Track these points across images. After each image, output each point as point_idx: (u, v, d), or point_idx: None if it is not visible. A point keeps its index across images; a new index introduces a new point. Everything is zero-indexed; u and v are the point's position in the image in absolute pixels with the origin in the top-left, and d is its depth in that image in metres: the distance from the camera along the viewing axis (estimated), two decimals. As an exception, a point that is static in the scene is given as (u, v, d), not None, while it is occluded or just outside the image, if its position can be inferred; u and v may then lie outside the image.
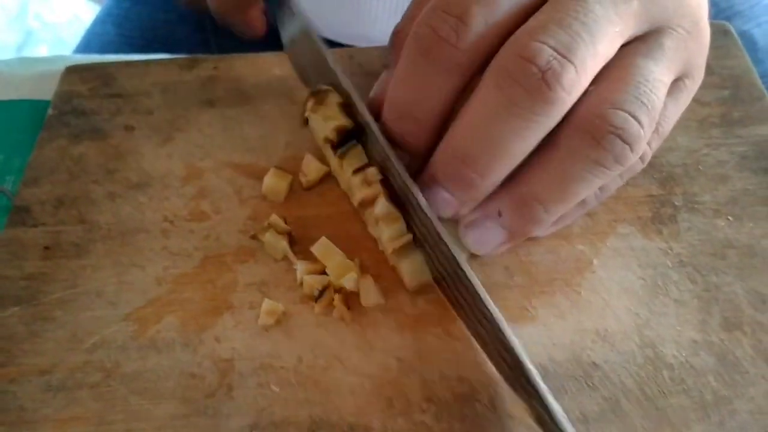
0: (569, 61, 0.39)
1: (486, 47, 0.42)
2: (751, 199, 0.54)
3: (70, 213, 0.55)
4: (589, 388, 0.46)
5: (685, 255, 0.51)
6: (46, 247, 0.53)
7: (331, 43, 0.86)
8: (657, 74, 0.42)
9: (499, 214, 0.46)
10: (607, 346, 0.47)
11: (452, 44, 0.42)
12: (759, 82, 0.61)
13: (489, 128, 0.41)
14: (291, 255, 0.51)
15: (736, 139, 0.57)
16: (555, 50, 0.39)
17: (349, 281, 0.49)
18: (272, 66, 0.64)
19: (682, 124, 0.56)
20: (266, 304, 0.49)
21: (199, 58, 0.65)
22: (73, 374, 0.47)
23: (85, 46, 0.92)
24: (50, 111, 0.61)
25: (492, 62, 0.41)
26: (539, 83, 0.39)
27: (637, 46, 0.43)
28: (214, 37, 0.87)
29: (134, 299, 0.50)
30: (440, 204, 0.46)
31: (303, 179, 0.55)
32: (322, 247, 0.50)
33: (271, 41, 0.87)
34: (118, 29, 0.91)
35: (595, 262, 0.51)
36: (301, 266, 0.50)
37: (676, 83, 0.46)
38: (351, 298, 0.50)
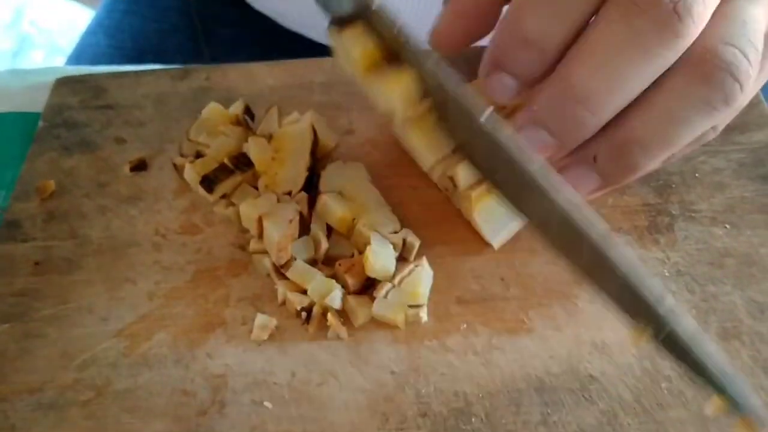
0: None
1: None
2: (748, 207, 0.53)
3: (60, 227, 0.54)
4: (586, 401, 0.45)
5: (682, 264, 0.51)
6: (37, 263, 0.52)
7: (329, 48, 0.86)
8: (758, 17, 0.41)
9: (595, 160, 0.43)
10: (604, 357, 0.47)
11: None
12: (756, 87, 0.60)
13: (612, 62, 0.39)
14: (273, 274, 0.51)
15: (733, 146, 0.57)
16: None
17: (333, 300, 0.48)
18: (265, 76, 0.63)
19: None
20: (259, 318, 0.49)
21: (191, 69, 0.64)
22: (64, 392, 0.47)
23: (76, 57, 0.92)
24: (41, 123, 0.61)
25: None
26: (670, 15, 0.37)
27: None
28: (207, 46, 0.87)
29: (126, 315, 0.50)
30: (537, 146, 0.42)
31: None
32: (297, 271, 0.50)
33: (264, 49, 0.87)
34: (110, 40, 0.91)
35: (591, 272, 0.50)
36: (282, 287, 0.50)
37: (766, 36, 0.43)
38: (342, 314, 0.49)
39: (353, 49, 0.45)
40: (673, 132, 0.41)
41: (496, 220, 0.51)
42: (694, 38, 0.38)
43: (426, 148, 0.44)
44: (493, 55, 0.42)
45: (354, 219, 0.51)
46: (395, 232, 0.51)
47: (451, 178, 0.50)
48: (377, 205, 0.53)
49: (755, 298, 0.49)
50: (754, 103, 0.59)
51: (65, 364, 0.48)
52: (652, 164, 0.43)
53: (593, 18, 0.40)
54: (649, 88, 0.40)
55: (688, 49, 0.39)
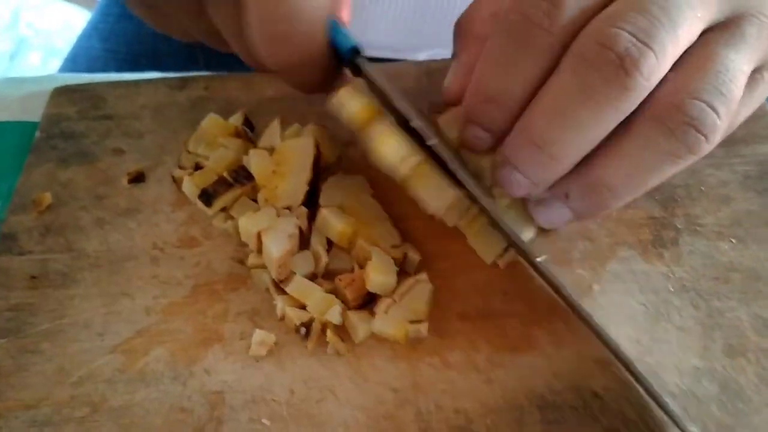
0: (648, 47, 0.38)
1: (576, 30, 0.41)
2: (754, 221, 0.53)
3: (57, 241, 0.54)
4: (590, 419, 0.45)
5: (687, 279, 0.50)
6: (33, 277, 0.52)
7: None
8: (737, 63, 0.41)
9: (567, 197, 0.45)
10: (607, 374, 0.46)
11: (545, 28, 0.41)
12: (762, 98, 0.60)
13: (566, 113, 0.41)
14: (272, 289, 0.50)
15: (738, 158, 0.56)
16: (634, 36, 0.38)
17: (333, 315, 0.48)
18: (265, 86, 0.63)
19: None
20: (257, 334, 0.48)
21: (189, 78, 0.64)
22: (60, 409, 0.46)
23: (71, 61, 0.91)
24: (38, 134, 0.60)
25: (571, 47, 0.41)
26: (617, 70, 0.38)
27: (717, 33, 0.42)
28: (202, 51, 0.86)
29: (123, 330, 0.49)
30: (513, 184, 0.45)
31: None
32: (297, 286, 0.49)
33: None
34: (105, 44, 0.90)
35: (595, 287, 0.50)
36: (281, 302, 0.49)
37: (754, 75, 0.44)
38: (342, 329, 0.49)
39: (349, 105, 0.47)
40: (640, 178, 0.43)
41: (490, 242, 0.51)
42: (647, 90, 0.40)
43: (427, 196, 0.46)
44: (466, 110, 0.46)
45: (354, 233, 0.50)
46: (396, 246, 0.50)
47: None
48: (378, 218, 0.52)
49: (761, 314, 0.48)
50: (759, 115, 0.58)
51: (61, 381, 0.47)
52: (622, 203, 0.45)
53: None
54: (618, 130, 0.42)
55: (656, 96, 0.40)
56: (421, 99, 0.61)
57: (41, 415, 0.46)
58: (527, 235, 0.48)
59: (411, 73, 0.62)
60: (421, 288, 0.49)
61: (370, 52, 0.80)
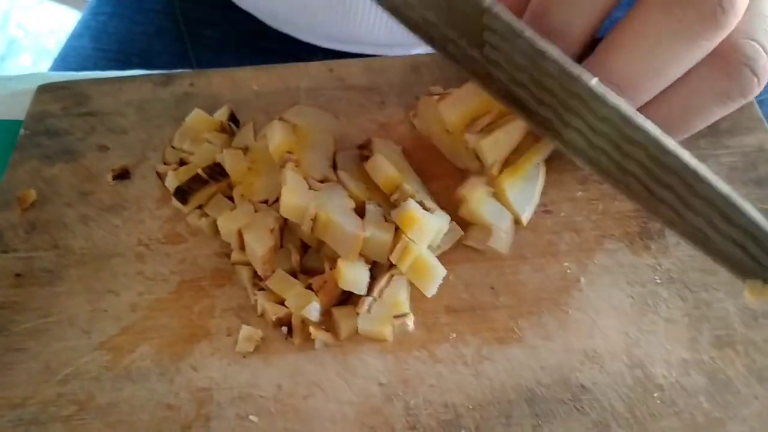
0: None
1: None
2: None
3: (42, 238, 0.53)
4: (578, 412, 0.44)
5: (674, 271, 0.50)
6: (18, 274, 0.52)
7: (315, 49, 0.85)
8: None
9: None
10: (595, 367, 0.46)
11: None
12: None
13: (651, 51, 0.40)
14: (249, 286, 0.50)
15: (724, 150, 0.56)
16: None
17: (311, 312, 0.47)
18: (251, 81, 0.62)
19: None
20: (244, 330, 0.48)
21: (174, 75, 0.63)
22: (46, 407, 0.46)
23: (62, 61, 0.91)
24: (22, 131, 0.60)
25: None
26: (714, 7, 0.38)
27: None
28: (193, 48, 0.86)
29: (108, 327, 0.49)
30: None
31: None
32: (277, 280, 0.49)
33: (251, 51, 0.86)
34: (96, 43, 0.90)
35: (582, 280, 0.50)
36: (260, 298, 0.49)
37: None
38: (328, 322, 0.49)
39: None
40: (690, 120, 0.44)
41: (524, 197, 0.52)
42: (732, 29, 0.39)
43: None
44: None
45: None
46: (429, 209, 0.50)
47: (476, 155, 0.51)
48: (417, 183, 0.53)
49: (748, 306, 0.48)
50: (744, 106, 0.57)
51: (47, 379, 0.47)
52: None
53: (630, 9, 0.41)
54: None
55: None
56: (407, 94, 0.61)
57: (27, 413, 0.46)
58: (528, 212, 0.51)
59: (397, 67, 0.62)
60: (397, 282, 0.49)
61: (360, 49, 0.80)
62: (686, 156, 0.37)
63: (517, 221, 0.52)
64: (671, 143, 0.38)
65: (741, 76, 0.41)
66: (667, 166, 0.38)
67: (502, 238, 0.51)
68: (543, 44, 0.39)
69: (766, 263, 0.38)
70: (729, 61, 0.40)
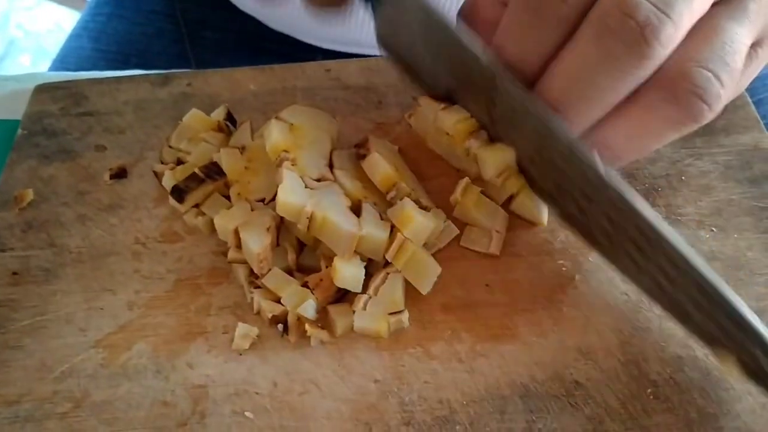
0: (667, 16, 0.39)
1: (590, 1, 0.42)
2: (735, 210, 0.53)
3: (39, 237, 0.54)
4: (572, 408, 0.45)
5: (668, 268, 0.50)
6: (15, 273, 0.52)
7: (315, 50, 0.86)
8: (741, 36, 0.43)
9: None
10: (589, 363, 0.46)
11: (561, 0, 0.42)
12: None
13: (585, 79, 0.42)
14: (246, 285, 0.50)
15: (719, 148, 0.56)
16: (654, 5, 0.39)
17: (306, 310, 0.47)
18: (248, 81, 0.63)
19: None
20: (240, 328, 0.48)
21: (172, 75, 0.64)
22: (42, 404, 0.46)
23: (61, 61, 0.91)
24: (20, 131, 0.60)
25: (590, 14, 0.41)
26: (638, 38, 0.39)
27: (722, 6, 0.43)
28: (192, 50, 0.86)
29: (105, 325, 0.49)
30: None
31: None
32: (274, 278, 0.49)
33: (250, 51, 0.86)
34: (95, 43, 0.90)
35: (577, 277, 0.50)
36: (257, 296, 0.49)
37: (750, 50, 0.45)
38: (324, 319, 0.49)
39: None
40: (641, 142, 0.45)
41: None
42: (663, 58, 0.41)
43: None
44: None
45: (397, 178, 0.51)
46: (427, 207, 0.51)
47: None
48: (414, 182, 0.54)
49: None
50: (739, 105, 0.58)
51: (43, 376, 0.47)
52: (623, 164, 0.46)
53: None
54: (626, 97, 0.43)
55: (664, 65, 0.42)
56: (404, 94, 0.61)
57: (23, 410, 0.46)
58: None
59: (392, 68, 0.62)
60: (393, 279, 0.49)
61: (359, 50, 0.80)
62: (672, 237, 0.41)
63: (535, 222, 0.53)
64: (659, 225, 0.41)
65: (690, 105, 0.41)
66: (654, 241, 0.42)
67: (497, 241, 0.51)
68: (553, 124, 0.44)
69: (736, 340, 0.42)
70: (676, 87, 0.41)
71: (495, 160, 0.50)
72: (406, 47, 0.54)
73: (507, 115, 0.48)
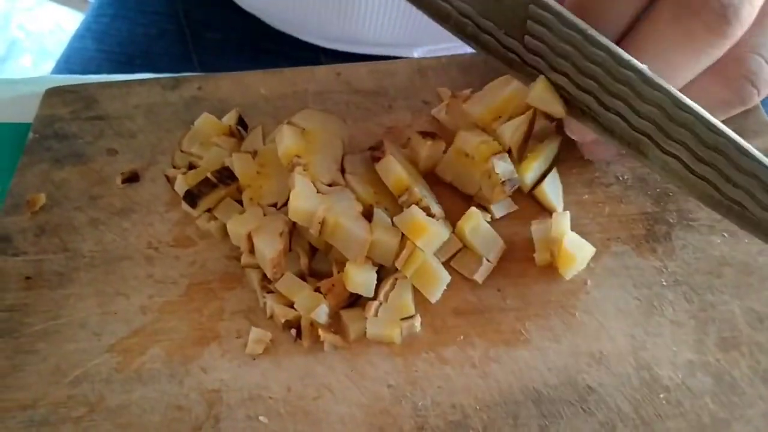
0: None
1: None
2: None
3: (52, 241, 0.54)
4: (584, 413, 0.45)
5: (680, 273, 0.50)
6: (28, 277, 0.52)
7: (318, 50, 0.86)
8: None
9: None
10: (602, 368, 0.47)
11: None
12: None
13: (661, 58, 0.42)
14: (259, 289, 0.50)
15: (730, 152, 0.56)
16: None
17: (320, 314, 0.47)
18: (258, 84, 0.63)
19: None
20: (254, 332, 0.48)
21: (182, 78, 0.64)
22: (57, 409, 0.46)
23: (65, 62, 0.91)
24: (31, 135, 0.60)
25: None
26: (720, 18, 0.40)
27: None
28: (196, 51, 0.86)
29: (118, 329, 0.49)
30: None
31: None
32: (286, 283, 0.49)
33: (253, 52, 0.86)
34: (98, 45, 0.90)
35: (589, 282, 0.50)
36: (269, 300, 0.49)
37: None
38: (337, 324, 0.49)
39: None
40: None
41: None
42: (738, 38, 0.41)
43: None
44: None
45: (408, 186, 0.50)
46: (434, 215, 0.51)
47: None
48: (425, 188, 0.54)
49: (754, 308, 0.49)
50: (751, 110, 0.58)
51: (57, 380, 0.47)
52: None
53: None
54: None
55: None
56: (414, 97, 0.61)
57: (38, 415, 0.46)
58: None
59: (404, 71, 0.62)
60: (402, 284, 0.49)
61: (363, 49, 0.81)
62: (732, 133, 0.41)
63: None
64: (717, 122, 0.41)
65: (741, 88, 0.43)
66: (712, 144, 0.41)
67: (484, 269, 0.51)
68: (593, 32, 0.42)
69: None
70: (731, 73, 0.42)
71: (510, 130, 0.52)
72: None
73: (540, 38, 0.47)
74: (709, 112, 0.43)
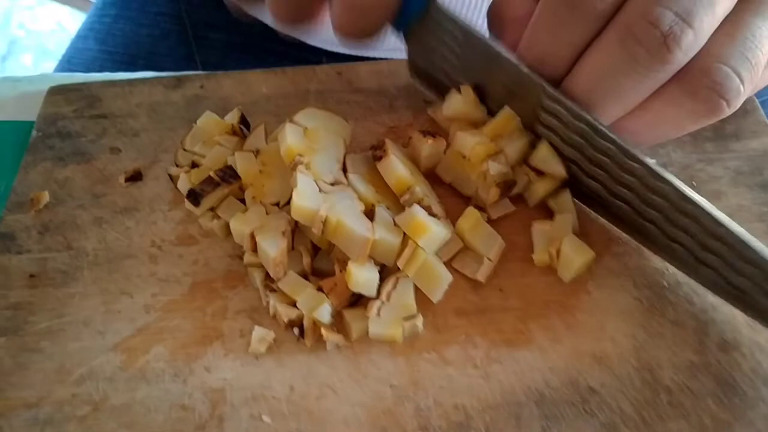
0: (689, 25, 0.42)
1: (622, 1, 0.44)
2: (746, 216, 0.53)
3: (55, 239, 0.54)
4: (586, 414, 0.45)
5: (681, 274, 0.50)
6: (32, 275, 0.52)
7: (320, 52, 0.86)
8: (763, 30, 0.44)
9: None
10: (604, 369, 0.47)
11: None
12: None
13: (609, 80, 0.45)
14: (261, 288, 0.50)
15: (730, 153, 0.57)
16: (676, 14, 0.42)
17: (322, 314, 0.48)
18: (260, 84, 0.63)
19: (675, 139, 0.56)
20: (257, 331, 0.48)
21: (184, 77, 0.64)
22: (61, 407, 0.46)
23: (67, 62, 0.91)
24: (34, 133, 0.60)
25: (616, 18, 0.44)
26: (660, 46, 0.42)
27: (747, 2, 0.45)
28: (199, 51, 0.86)
29: (123, 328, 0.49)
30: None
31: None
32: (289, 282, 0.50)
33: (256, 53, 0.86)
34: (101, 45, 0.90)
35: (590, 283, 0.50)
36: (272, 299, 0.49)
37: None
38: (339, 323, 0.49)
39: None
40: (662, 132, 0.47)
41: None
42: (685, 62, 0.43)
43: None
44: None
45: (410, 186, 0.51)
46: (438, 214, 0.51)
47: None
48: (427, 187, 0.54)
49: (754, 309, 0.49)
50: (749, 111, 0.59)
51: (62, 379, 0.47)
52: (643, 147, 0.49)
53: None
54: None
55: (688, 62, 0.44)
56: (415, 96, 0.61)
57: (42, 413, 0.46)
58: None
59: (405, 70, 0.62)
60: (404, 283, 0.49)
61: (367, 53, 0.81)
62: (734, 225, 0.44)
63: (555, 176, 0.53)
64: (721, 214, 0.44)
65: (708, 99, 0.44)
66: (716, 234, 0.44)
67: (486, 268, 0.51)
68: (599, 124, 0.47)
69: None
70: (696, 84, 0.44)
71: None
72: (440, 71, 0.56)
73: (553, 121, 0.50)
74: (679, 122, 0.46)
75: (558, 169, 0.51)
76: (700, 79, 0.43)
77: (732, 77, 0.43)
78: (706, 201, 0.44)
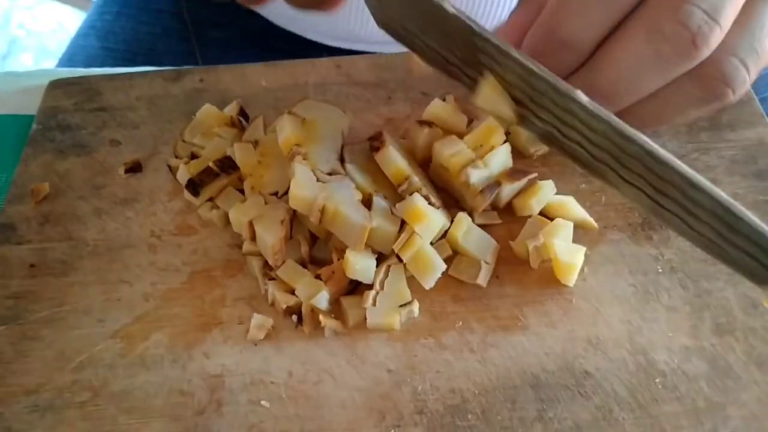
0: (717, 23, 0.41)
1: None
2: (741, 204, 0.53)
3: (55, 230, 0.54)
4: (581, 397, 0.45)
5: (675, 261, 0.51)
6: (32, 265, 0.53)
7: (321, 48, 0.86)
8: None
9: None
10: (599, 353, 0.47)
11: None
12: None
13: (633, 75, 0.44)
14: (260, 276, 0.51)
15: (725, 143, 0.57)
16: (705, 12, 0.41)
17: (320, 301, 0.48)
18: (259, 77, 0.64)
19: (671, 128, 0.57)
20: (256, 318, 0.49)
21: (184, 71, 0.64)
22: (61, 394, 0.47)
23: (68, 60, 0.92)
24: (34, 126, 0.61)
25: (642, 11, 0.43)
26: (688, 44, 0.41)
27: None
28: (199, 48, 0.87)
29: (122, 316, 0.50)
30: None
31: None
32: (287, 270, 0.50)
33: (257, 50, 0.87)
34: (102, 42, 0.90)
35: (585, 269, 0.51)
36: (271, 287, 0.50)
37: None
38: (336, 309, 0.50)
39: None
40: (667, 116, 0.47)
41: None
42: (705, 57, 0.43)
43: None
44: (534, 55, 0.45)
45: (408, 176, 0.51)
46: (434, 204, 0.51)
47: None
48: (424, 178, 0.54)
49: (748, 294, 0.49)
50: (745, 101, 0.59)
51: (62, 366, 0.48)
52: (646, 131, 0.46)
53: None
54: None
55: None
56: (413, 89, 0.62)
57: (42, 400, 0.46)
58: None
59: (403, 63, 0.63)
60: (395, 270, 0.50)
61: (366, 47, 0.81)
62: (681, 166, 0.40)
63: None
64: (665, 154, 0.40)
65: (715, 88, 0.44)
66: (664, 177, 0.41)
67: (485, 272, 0.51)
68: (531, 63, 0.42)
69: None
70: (706, 74, 0.43)
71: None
72: (398, 23, 0.53)
73: (490, 64, 0.47)
74: (683, 108, 0.46)
75: (505, 110, 0.48)
76: (711, 70, 0.43)
77: (740, 69, 0.43)
78: (648, 139, 0.41)
